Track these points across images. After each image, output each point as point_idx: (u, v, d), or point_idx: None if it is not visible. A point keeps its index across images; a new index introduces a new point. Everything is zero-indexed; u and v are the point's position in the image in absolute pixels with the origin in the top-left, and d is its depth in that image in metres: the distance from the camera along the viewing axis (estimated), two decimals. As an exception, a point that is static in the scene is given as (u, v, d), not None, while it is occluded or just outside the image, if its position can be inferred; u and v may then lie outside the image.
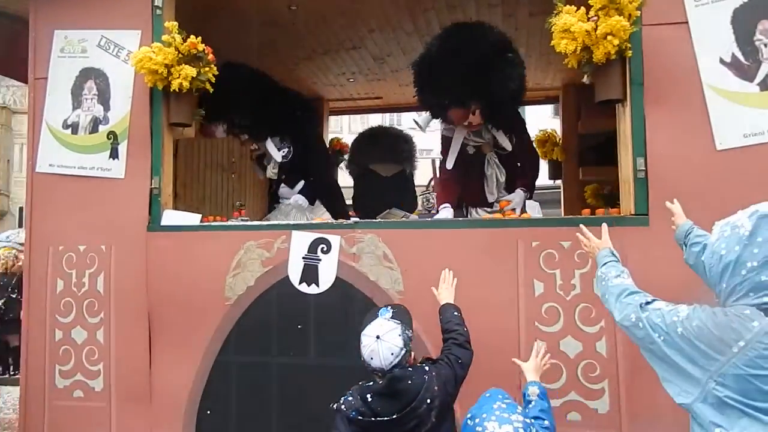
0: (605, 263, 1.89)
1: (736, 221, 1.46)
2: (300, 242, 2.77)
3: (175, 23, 2.87)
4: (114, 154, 3.03)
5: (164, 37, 2.86)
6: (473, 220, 2.95)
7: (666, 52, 2.52)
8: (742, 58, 2.46)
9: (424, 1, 3.69)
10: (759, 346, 1.34)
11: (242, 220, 3.13)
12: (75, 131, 3.10)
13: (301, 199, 3.87)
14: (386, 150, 4.81)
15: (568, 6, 2.54)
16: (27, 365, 3.05)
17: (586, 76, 2.71)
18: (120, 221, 2.98)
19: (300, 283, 2.76)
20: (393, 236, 2.71)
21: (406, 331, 1.99)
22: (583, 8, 2.53)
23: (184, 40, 2.88)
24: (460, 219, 2.86)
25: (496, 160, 3.35)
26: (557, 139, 5.47)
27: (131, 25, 3.05)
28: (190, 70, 2.85)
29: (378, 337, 1.93)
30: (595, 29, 2.45)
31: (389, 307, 2.18)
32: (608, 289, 1.76)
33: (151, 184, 2.96)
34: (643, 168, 2.51)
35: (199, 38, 2.88)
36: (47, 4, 3.18)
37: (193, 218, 2.96)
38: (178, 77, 2.84)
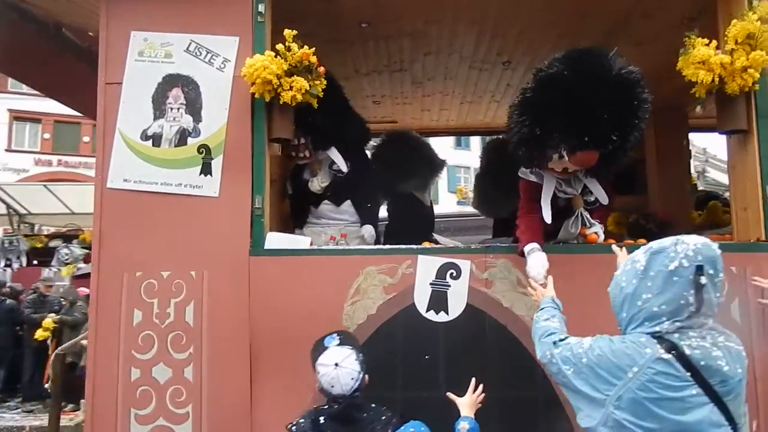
0: (542, 308, 2.06)
1: (634, 256, 1.61)
2: (427, 267, 2.61)
3: (293, 32, 2.66)
4: (206, 170, 2.74)
5: (279, 47, 2.65)
6: (605, 245, 2.88)
7: (782, 87, 2.65)
8: None
9: (498, 27, 3.70)
10: (650, 371, 1.47)
11: (339, 243, 2.91)
12: (157, 143, 2.78)
13: (369, 234, 3.35)
14: (419, 163, 4.59)
15: (699, 39, 2.61)
16: (93, 412, 2.63)
17: (699, 107, 2.79)
18: (215, 244, 2.68)
19: (427, 310, 2.59)
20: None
21: (360, 355, 2.08)
22: (714, 41, 2.61)
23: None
24: (597, 243, 2.79)
25: (588, 216, 2.78)
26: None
27: (228, 31, 2.81)
28: (303, 83, 2.65)
29: (337, 365, 2.00)
30: (731, 63, 2.53)
31: (335, 334, 2.18)
32: (535, 330, 1.94)
33: (253, 204, 2.69)
34: (773, 196, 2.59)
35: (313, 49, 2.69)
36: (123, 2, 2.87)
37: (303, 241, 2.72)
38: (290, 89, 2.64)
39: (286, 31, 2.66)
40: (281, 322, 2.61)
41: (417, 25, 3.67)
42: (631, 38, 3.69)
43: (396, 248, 2.70)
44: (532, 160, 2.58)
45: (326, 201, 3.42)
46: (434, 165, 4.63)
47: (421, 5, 3.41)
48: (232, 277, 2.65)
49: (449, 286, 2.60)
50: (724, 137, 2.89)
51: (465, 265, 2.61)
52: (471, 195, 5.85)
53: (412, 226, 4.38)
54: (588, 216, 2.78)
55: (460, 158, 25.44)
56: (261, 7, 2.81)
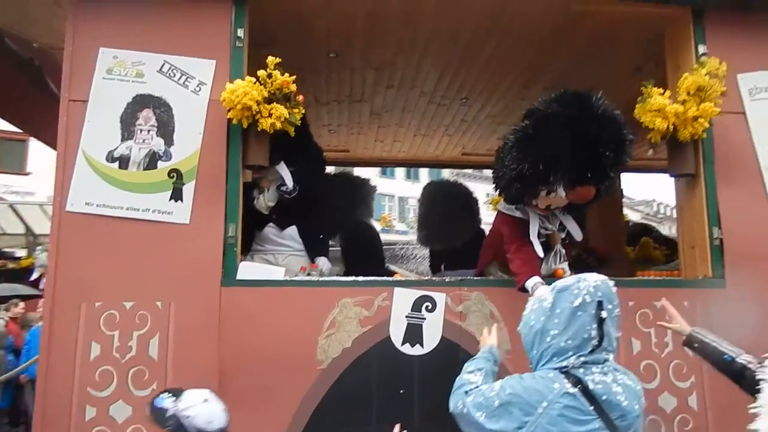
0: (473, 359, 2.08)
1: (541, 295, 1.73)
2: (403, 300, 2.62)
3: (276, 59, 2.64)
4: (177, 196, 2.63)
5: (260, 73, 2.62)
6: None
7: (729, 136, 2.91)
8: (788, 148, 2.92)
9: (462, 65, 3.83)
10: (558, 406, 1.56)
11: (309, 274, 2.87)
12: (124, 166, 2.65)
13: (326, 266, 3.23)
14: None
15: (655, 89, 2.83)
16: (40, 454, 2.42)
17: (651, 150, 3.01)
18: (184, 274, 2.56)
19: (403, 343, 2.59)
20: (500, 294, 2.68)
21: None
22: (668, 91, 2.84)
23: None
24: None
25: (564, 252, 2.91)
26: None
27: (204, 54, 2.74)
28: (282, 110, 2.63)
29: (206, 400, 1.90)
30: (684, 112, 2.76)
31: (162, 393, 2.01)
32: (456, 381, 1.93)
33: (226, 232, 2.61)
34: (719, 236, 2.82)
35: (294, 77, 2.69)
36: (92, 17, 2.74)
37: (277, 272, 2.65)
38: (269, 116, 2.61)
39: (269, 59, 2.64)
40: (253, 355, 2.52)
41: (385, 58, 3.74)
42: (583, 82, 3.92)
43: (372, 280, 2.70)
44: (524, 196, 2.65)
45: (270, 224, 3.20)
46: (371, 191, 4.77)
47: (392, 40, 3.49)
48: (202, 309, 2.54)
49: (425, 318, 2.61)
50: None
51: (440, 297, 2.64)
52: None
53: (373, 254, 4.41)
54: (564, 252, 2.90)
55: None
56: (240, 32, 2.78)
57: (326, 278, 2.71)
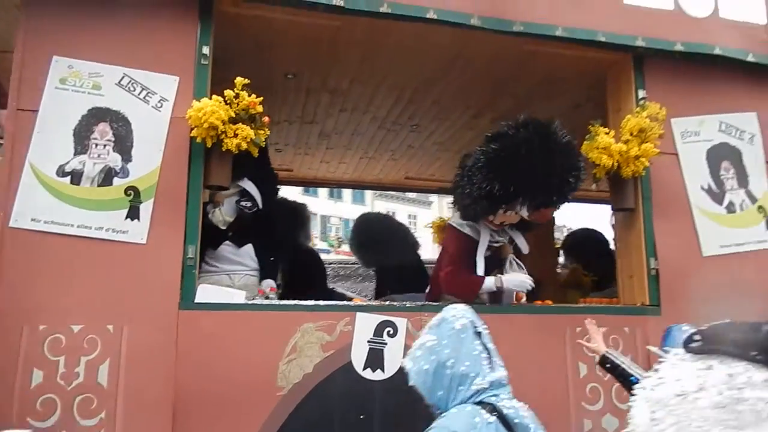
0: None
1: (421, 340, 1.74)
2: (365, 325, 2.63)
3: (244, 80, 2.62)
4: (134, 214, 2.52)
5: (228, 93, 2.58)
6: (539, 307, 3.10)
7: (664, 175, 3.16)
8: (714, 187, 3.21)
9: (416, 95, 3.94)
10: None
11: (267, 297, 2.83)
12: (77, 181, 2.51)
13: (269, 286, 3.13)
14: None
15: (601, 128, 3.04)
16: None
17: (594, 185, 3.22)
18: (139, 296, 2.45)
19: (364, 368, 2.60)
20: (458, 320, 2.75)
21: None
22: (612, 131, 3.05)
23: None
24: (523, 305, 3.02)
25: (518, 261, 3.16)
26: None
27: (167, 70, 2.67)
28: (249, 131, 2.61)
29: None
30: (627, 151, 2.98)
31: None
32: None
33: (185, 253, 2.53)
34: (655, 267, 3.04)
35: (261, 98, 2.67)
36: (45, 23, 2.61)
37: (237, 295, 2.59)
38: (234, 136, 2.58)
39: (238, 79, 2.61)
40: (211, 382, 2.44)
41: (342, 83, 3.79)
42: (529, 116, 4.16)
43: (335, 305, 2.70)
44: (487, 213, 2.85)
45: (227, 242, 3.08)
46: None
47: (352, 67, 3.55)
48: (158, 333, 2.44)
49: (386, 343, 2.64)
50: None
51: (401, 322, 2.67)
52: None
53: (317, 278, 4.40)
54: (518, 261, 3.10)
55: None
56: (205, 50, 2.73)
57: (288, 302, 2.67)
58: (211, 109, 2.49)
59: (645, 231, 3.09)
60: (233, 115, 2.59)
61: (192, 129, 2.57)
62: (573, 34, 3.03)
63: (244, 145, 2.60)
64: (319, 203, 30.56)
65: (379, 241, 4.78)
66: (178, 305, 2.47)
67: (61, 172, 2.51)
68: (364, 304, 2.76)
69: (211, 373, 2.45)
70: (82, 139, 2.55)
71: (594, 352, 2.34)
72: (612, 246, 4.39)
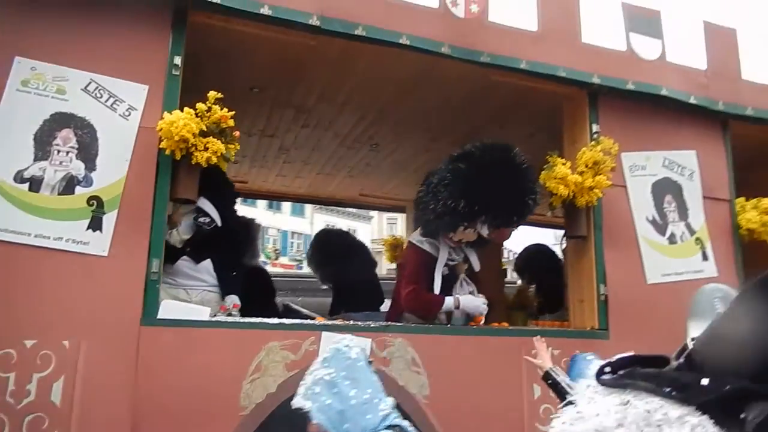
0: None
1: (316, 376, 1.70)
2: (330, 344, 2.62)
3: (217, 94, 2.59)
4: (96, 225, 2.43)
5: (200, 106, 2.55)
6: (495, 329, 3.18)
7: (614, 206, 3.35)
8: (658, 219, 3.43)
9: (379, 116, 4.01)
10: None
11: (230, 314, 2.78)
12: (36, 188, 2.40)
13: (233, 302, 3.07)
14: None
15: (559, 159, 3.20)
16: None
17: (550, 212, 3.38)
18: (98, 310, 2.36)
19: (329, 388, 2.59)
20: (421, 341, 2.80)
21: None
22: (569, 162, 3.22)
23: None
24: (480, 327, 3.09)
25: (468, 279, 3.29)
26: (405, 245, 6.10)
27: (137, 78, 2.61)
28: (219, 145, 2.58)
29: None
30: (582, 182, 3.14)
31: None
32: None
33: (149, 267, 2.46)
34: (605, 293, 3.21)
35: (233, 113, 2.65)
36: (7, 22, 2.49)
37: (202, 312, 2.53)
38: (205, 150, 2.55)
39: (211, 93, 2.59)
40: (172, 401, 2.38)
41: (308, 100, 3.80)
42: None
43: (300, 323, 2.69)
44: (448, 229, 2.96)
45: (185, 257, 3.03)
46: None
47: (319, 85, 3.58)
48: (117, 349, 2.35)
49: (351, 363, 2.64)
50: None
51: (366, 343, 2.69)
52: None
53: (272, 295, 4.36)
54: (468, 280, 3.22)
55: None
56: (177, 60, 2.69)
57: (253, 320, 2.64)
58: (183, 122, 2.45)
59: (596, 258, 3.26)
60: (204, 128, 2.56)
61: (161, 140, 2.52)
62: (535, 68, 3.19)
63: (214, 159, 2.57)
64: (257, 214, 30.05)
65: (339, 257, 4.79)
66: (139, 321, 2.40)
67: (19, 178, 2.39)
68: (330, 323, 2.76)
69: (172, 391, 2.39)
70: (43, 144, 2.45)
71: (539, 368, 2.44)
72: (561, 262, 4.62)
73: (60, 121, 2.49)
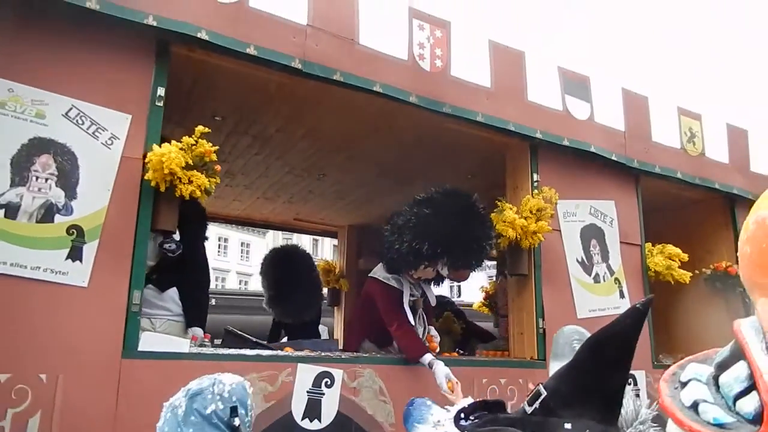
0: None
1: (175, 401, 1.55)
2: (306, 376, 2.73)
3: (205, 129, 2.64)
4: (76, 255, 2.38)
5: (186, 139, 2.59)
6: (448, 359, 3.35)
7: (550, 248, 3.74)
8: (585, 261, 3.87)
9: (333, 149, 4.17)
10: None
11: (201, 345, 2.79)
12: (12, 215, 2.31)
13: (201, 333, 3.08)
14: None
15: (507, 204, 3.55)
16: None
17: (495, 252, 3.71)
18: (77, 343, 2.30)
19: (303, 419, 2.69)
20: (387, 371, 2.97)
21: None
22: (515, 207, 3.57)
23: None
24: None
25: (425, 316, 3.47)
26: (338, 270, 6.25)
27: (119, 107, 2.59)
28: (203, 180, 2.63)
29: None
30: (527, 226, 3.50)
31: None
32: None
33: (130, 299, 2.44)
34: (543, 326, 3.57)
35: (216, 147, 2.71)
36: (-15, 40, 2.40)
37: (182, 343, 2.53)
38: (189, 183, 2.58)
39: (198, 128, 2.63)
40: (152, 434, 2.36)
41: (267, 130, 3.88)
42: (429, 182, 4.59)
43: (278, 355, 2.76)
44: (410, 267, 3.19)
45: (149, 285, 2.93)
46: None
47: (281, 118, 3.69)
48: (97, 383, 2.30)
49: (324, 394, 2.76)
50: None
51: (338, 373, 2.82)
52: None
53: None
54: (425, 316, 3.45)
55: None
56: (160, 91, 2.71)
57: (233, 352, 2.67)
58: (174, 155, 2.48)
59: (535, 294, 3.62)
60: (189, 161, 2.59)
61: (146, 171, 2.53)
62: (490, 121, 3.52)
63: (198, 193, 2.61)
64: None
65: (298, 280, 4.77)
66: (120, 353, 2.37)
67: (-6, 204, 2.30)
68: (304, 355, 2.84)
69: (153, 424, 2.37)
70: (20, 170, 2.37)
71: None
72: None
73: (39, 146, 2.42)
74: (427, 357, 3.01)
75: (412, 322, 3.21)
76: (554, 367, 1.86)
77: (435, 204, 3.15)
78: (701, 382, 0.83)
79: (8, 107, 2.40)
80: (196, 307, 3.08)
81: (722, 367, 0.81)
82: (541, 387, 1.07)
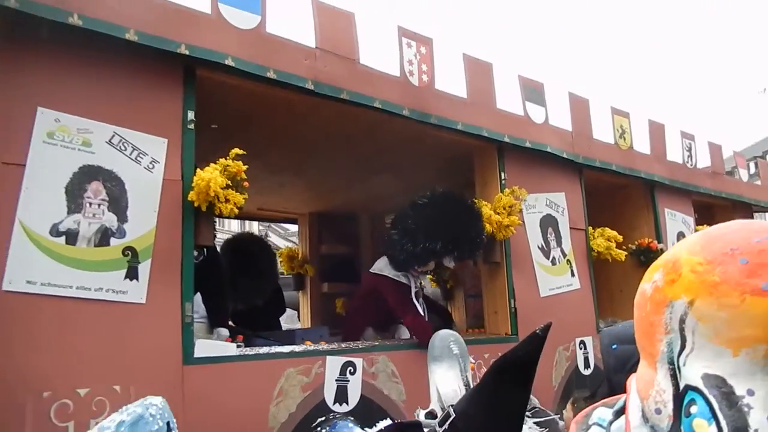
0: None
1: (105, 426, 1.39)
2: (333, 366, 3.10)
3: (239, 150, 2.87)
4: (132, 275, 2.58)
5: (224, 161, 2.82)
6: None
7: (517, 238, 4.28)
8: (544, 246, 4.47)
9: (325, 151, 4.45)
10: None
11: (238, 345, 3.07)
12: (72, 241, 2.46)
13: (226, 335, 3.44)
14: None
15: (484, 202, 4.04)
16: None
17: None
18: (143, 355, 2.53)
19: (334, 403, 3.06)
20: (399, 356, 3.40)
21: None
22: (489, 204, 4.07)
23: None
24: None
25: (424, 304, 3.91)
26: (301, 256, 6.55)
27: (156, 132, 2.76)
28: (239, 198, 2.88)
29: None
30: (501, 221, 4.02)
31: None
32: None
33: (183, 311, 2.68)
34: (515, 306, 4.13)
35: (246, 167, 2.95)
36: (27, 70, 2.48)
37: (230, 348, 2.80)
38: (225, 202, 2.83)
39: (234, 150, 2.86)
40: (215, 428, 2.65)
41: (256, 137, 4.09)
42: (396, 174, 5.00)
43: (310, 350, 3.10)
44: (420, 264, 3.66)
45: None
46: None
47: (272, 127, 3.92)
48: (165, 390, 2.53)
49: (348, 380, 3.15)
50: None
51: (359, 362, 3.21)
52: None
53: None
54: (425, 305, 3.88)
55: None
56: (191, 115, 2.89)
57: (272, 351, 2.97)
58: (220, 180, 2.71)
59: (507, 279, 4.16)
60: (228, 182, 2.83)
61: (185, 191, 2.75)
62: (468, 128, 3.96)
63: (235, 210, 2.86)
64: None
65: (246, 266, 4.93)
66: (181, 361, 2.62)
67: (55, 232, 2.44)
68: (329, 348, 3.19)
69: (214, 421, 2.66)
70: (75, 197, 2.51)
71: None
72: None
73: (89, 173, 2.57)
74: None
75: (421, 312, 3.65)
76: (434, 370, 2.01)
77: (438, 207, 3.61)
78: (602, 426, 0.88)
79: (57, 137, 2.52)
80: (219, 309, 3.33)
81: (618, 413, 0.86)
82: (450, 409, 1.15)
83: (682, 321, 0.68)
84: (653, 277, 0.74)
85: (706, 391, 0.65)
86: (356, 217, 6.76)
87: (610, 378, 1.71)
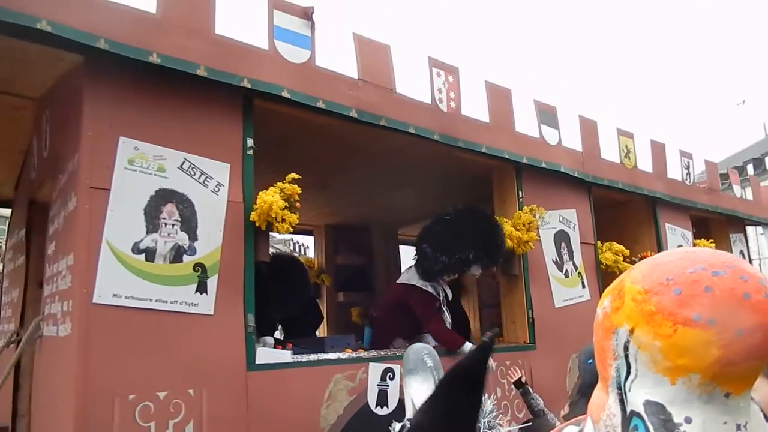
0: None
1: None
2: (376, 372, 3.37)
3: (295, 175, 3.14)
4: (202, 288, 2.84)
5: (281, 185, 3.09)
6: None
7: (534, 252, 4.58)
8: (558, 260, 4.77)
9: (356, 167, 4.73)
10: None
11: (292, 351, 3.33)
12: (151, 258, 2.72)
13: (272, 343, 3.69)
14: None
15: (505, 219, 4.33)
16: None
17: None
18: (212, 362, 2.78)
19: (376, 406, 3.33)
20: (430, 363, 3.67)
21: None
22: (509, 220, 4.37)
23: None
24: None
25: (447, 311, 4.24)
26: (316, 266, 6.81)
27: (219, 157, 3.03)
28: (294, 217, 3.15)
29: None
30: (520, 237, 4.32)
31: None
32: None
33: (246, 322, 2.94)
34: (532, 316, 4.42)
35: (299, 191, 3.22)
36: (109, 104, 2.75)
37: (285, 355, 3.06)
38: (282, 221, 3.10)
39: (290, 175, 3.14)
40: (274, 429, 2.91)
41: (292, 158, 4.35)
42: (431, 192, 5.29)
43: (355, 357, 3.36)
44: (451, 273, 4.01)
45: None
46: None
47: (307, 150, 4.19)
48: (232, 393, 2.80)
49: (388, 385, 3.41)
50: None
51: (396, 368, 3.48)
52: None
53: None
54: (448, 311, 4.18)
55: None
56: (249, 141, 3.16)
57: (320, 358, 3.24)
58: (281, 203, 2.98)
59: (525, 290, 4.45)
60: (286, 204, 3.10)
61: (246, 212, 3.01)
62: (491, 151, 4.26)
63: (290, 229, 3.13)
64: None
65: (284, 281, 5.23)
66: (245, 367, 2.88)
67: (136, 250, 2.70)
68: (371, 356, 3.46)
69: (273, 423, 2.92)
70: (152, 218, 2.77)
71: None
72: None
73: (164, 196, 2.82)
74: (467, 345, 3.79)
75: (447, 320, 3.95)
76: (409, 382, 2.03)
77: (465, 220, 3.93)
78: None
79: (136, 163, 2.78)
80: (265, 319, 3.59)
81: None
82: (407, 422, 1.24)
83: (626, 348, 0.69)
84: (603, 302, 0.75)
85: (646, 417, 0.67)
86: (370, 229, 7.03)
87: (587, 393, 1.97)
